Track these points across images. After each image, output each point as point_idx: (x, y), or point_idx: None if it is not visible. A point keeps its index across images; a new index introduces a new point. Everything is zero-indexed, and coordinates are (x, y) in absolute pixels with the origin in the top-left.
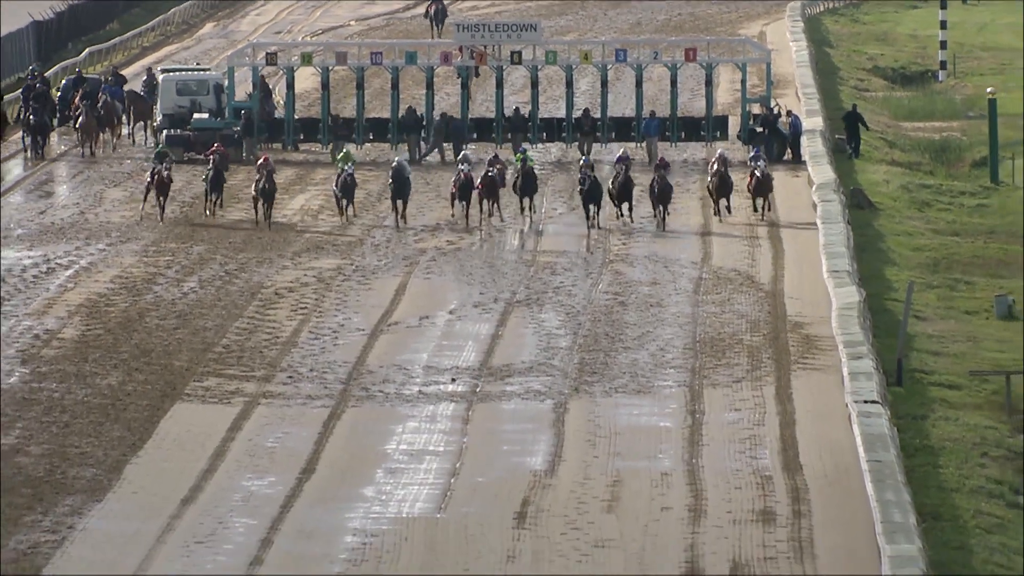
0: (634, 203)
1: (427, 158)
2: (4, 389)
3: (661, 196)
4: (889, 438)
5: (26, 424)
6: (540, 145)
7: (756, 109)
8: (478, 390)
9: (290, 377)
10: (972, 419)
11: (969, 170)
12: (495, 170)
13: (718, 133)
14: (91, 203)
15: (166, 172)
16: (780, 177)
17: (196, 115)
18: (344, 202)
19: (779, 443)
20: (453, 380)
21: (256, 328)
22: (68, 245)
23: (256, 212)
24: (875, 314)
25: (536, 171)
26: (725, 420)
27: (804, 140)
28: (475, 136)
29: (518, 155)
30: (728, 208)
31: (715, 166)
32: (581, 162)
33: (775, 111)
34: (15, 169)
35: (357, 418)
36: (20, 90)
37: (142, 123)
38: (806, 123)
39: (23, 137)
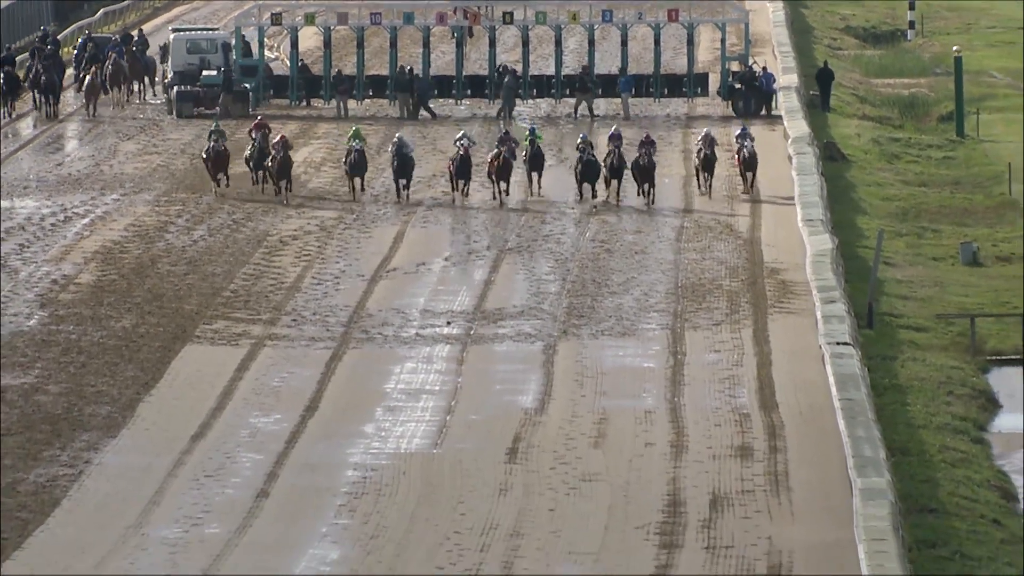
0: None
1: (422, 114)
2: (24, 331)
3: (644, 174)
4: (860, 378)
5: (45, 364)
6: (531, 101)
7: (735, 67)
8: (472, 333)
9: (294, 320)
10: (938, 360)
11: (936, 124)
12: (506, 149)
13: (699, 89)
14: (105, 155)
15: (216, 146)
16: (757, 131)
17: (205, 72)
18: (355, 180)
19: (756, 383)
20: (448, 323)
21: (262, 274)
22: (84, 195)
23: (274, 185)
24: (847, 260)
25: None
26: (705, 361)
27: (780, 96)
28: (436, 93)
29: (526, 134)
30: (710, 185)
31: (700, 146)
32: (579, 139)
33: (753, 69)
34: (28, 127)
35: (357, 359)
36: (29, 52)
37: (137, 82)
38: (782, 80)
39: (33, 96)
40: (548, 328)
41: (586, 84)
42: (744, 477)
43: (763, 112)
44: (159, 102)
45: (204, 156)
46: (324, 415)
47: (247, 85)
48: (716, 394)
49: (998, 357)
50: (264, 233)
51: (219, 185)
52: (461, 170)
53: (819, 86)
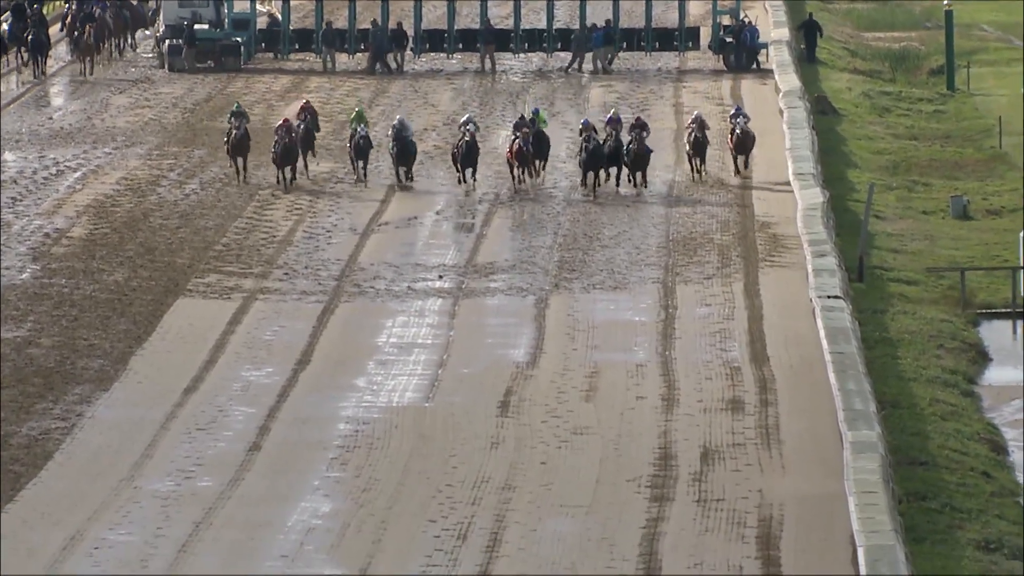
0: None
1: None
2: (16, 285)
3: (637, 162)
4: (851, 331)
5: (37, 318)
6: (523, 55)
7: (726, 20)
8: (463, 286)
9: (286, 274)
10: (929, 313)
11: (927, 78)
12: (522, 135)
13: (690, 43)
14: (97, 109)
15: (238, 132)
16: (748, 85)
17: (197, 26)
18: (360, 163)
19: (747, 336)
20: (440, 277)
21: (254, 228)
22: (76, 149)
23: (278, 171)
24: (838, 214)
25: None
26: (696, 314)
27: (771, 50)
28: (409, 46)
29: (532, 116)
30: (702, 170)
31: (691, 128)
32: (581, 125)
33: (744, 22)
34: (13, 85)
35: (349, 313)
36: (11, 9)
37: (122, 38)
38: (773, 34)
39: (18, 55)
40: (539, 282)
41: (611, 36)
42: (735, 430)
43: (753, 67)
44: (150, 56)
45: (225, 140)
46: (316, 369)
47: (239, 39)
48: (707, 348)
49: (988, 310)
50: (256, 187)
51: (239, 174)
52: (467, 157)
53: (804, 38)
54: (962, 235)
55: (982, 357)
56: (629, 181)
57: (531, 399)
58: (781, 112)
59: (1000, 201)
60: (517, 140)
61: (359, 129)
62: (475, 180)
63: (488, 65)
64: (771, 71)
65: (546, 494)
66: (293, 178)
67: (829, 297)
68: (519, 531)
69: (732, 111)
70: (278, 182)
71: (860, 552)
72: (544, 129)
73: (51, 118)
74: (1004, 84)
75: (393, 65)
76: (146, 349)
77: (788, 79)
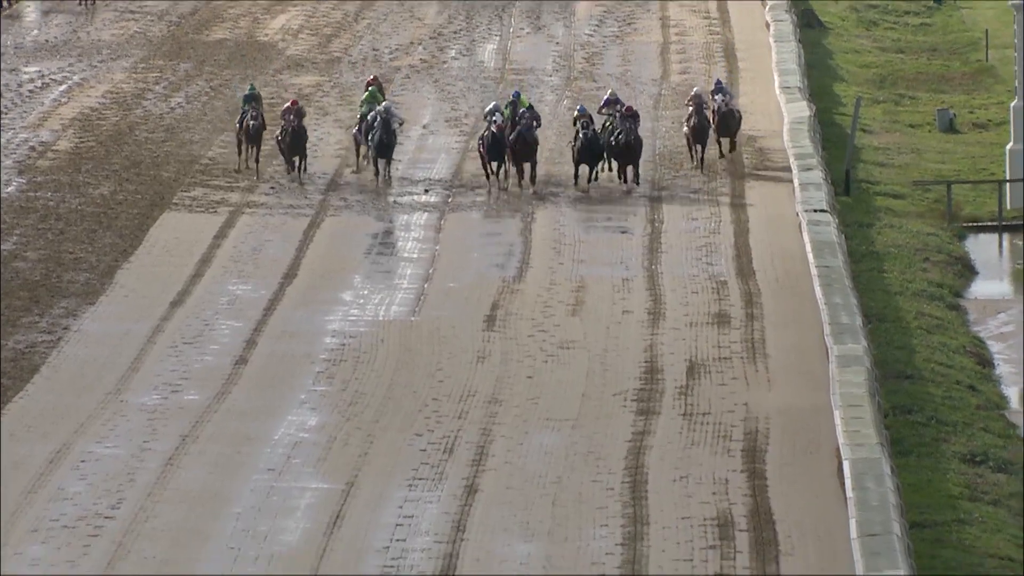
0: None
1: None
2: (2, 198)
3: (628, 154)
4: (837, 245)
5: (23, 231)
6: None
7: None
8: (450, 201)
9: (272, 188)
10: (915, 226)
11: None
12: (524, 121)
13: None
14: (82, 22)
15: (253, 122)
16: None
17: None
18: (381, 161)
19: (733, 250)
20: (426, 191)
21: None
22: (62, 62)
23: (286, 161)
24: (824, 128)
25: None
26: (683, 229)
27: None
28: None
29: (507, 103)
30: (702, 159)
31: (691, 110)
32: (576, 111)
33: None
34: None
35: (335, 227)
36: None
37: None
38: None
39: None
40: (526, 196)
41: None
42: (721, 344)
43: None
44: None
45: (238, 126)
46: (302, 282)
47: None
48: (693, 262)
49: (974, 224)
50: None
51: (247, 165)
52: (493, 150)
53: None
54: (948, 148)
55: (968, 271)
56: (620, 176)
57: (517, 313)
58: (767, 25)
59: (986, 114)
60: (488, 130)
61: (380, 112)
62: (499, 175)
63: None
64: None
65: (532, 408)
66: (304, 168)
67: (815, 211)
68: (505, 444)
69: (713, 85)
70: (288, 172)
71: (845, 465)
72: (523, 121)
73: (36, 30)
74: None
75: None
76: (132, 263)
77: None
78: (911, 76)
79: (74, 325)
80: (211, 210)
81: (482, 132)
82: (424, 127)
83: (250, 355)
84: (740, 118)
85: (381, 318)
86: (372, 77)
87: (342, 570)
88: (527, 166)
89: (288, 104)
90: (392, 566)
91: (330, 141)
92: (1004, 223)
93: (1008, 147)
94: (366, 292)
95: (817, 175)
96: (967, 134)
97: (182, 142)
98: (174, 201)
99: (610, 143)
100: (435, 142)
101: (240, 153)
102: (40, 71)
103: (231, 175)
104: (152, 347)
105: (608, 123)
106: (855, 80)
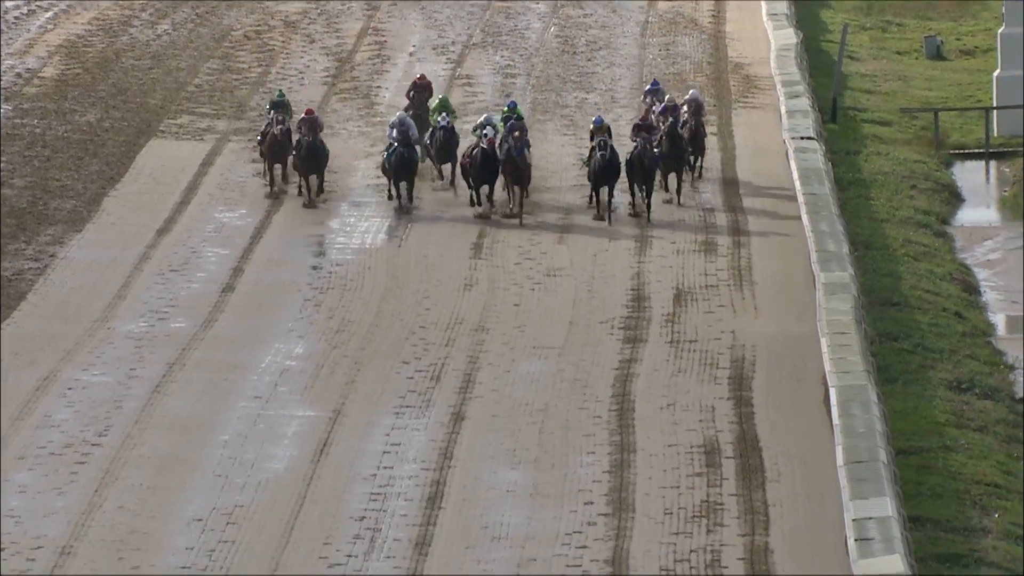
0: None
1: None
2: None
3: (645, 174)
4: (824, 172)
5: (9, 158)
6: None
7: None
8: None
9: (259, 116)
10: (902, 153)
11: None
12: (512, 141)
13: None
14: None
15: (280, 129)
16: None
17: None
18: (444, 166)
19: (720, 178)
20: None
21: (226, 68)
22: None
23: (302, 179)
24: (811, 55)
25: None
26: None
27: None
28: None
29: (501, 114)
30: (700, 167)
31: (685, 115)
32: (592, 124)
33: None
34: None
35: None
36: None
37: None
38: None
39: None
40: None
41: None
42: (708, 272)
43: None
44: None
45: (259, 139)
46: (289, 210)
47: None
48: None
49: (961, 151)
50: (228, 28)
51: (273, 185)
52: (483, 170)
53: None
54: (935, 75)
55: (955, 198)
56: (632, 200)
57: (504, 241)
58: None
59: (974, 41)
60: (474, 151)
61: (439, 120)
62: (492, 202)
63: None
64: None
65: (519, 335)
66: (320, 189)
67: (802, 138)
68: (492, 372)
69: (687, 94)
70: (299, 192)
71: (832, 392)
72: (511, 139)
73: None
74: None
75: None
76: (119, 190)
77: None
78: (898, 3)
79: (61, 252)
80: (198, 137)
81: (470, 148)
82: (411, 54)
83: (237, 283)
84: (705, 134)
85: (368, 246)
86: (419, 76)
87: (329, 497)
88: (517, 189)
89: (303, 114)
90: (379, 493)
91: (316, 68)
92: (991, 150)
93: (995, 74)
94: (353, 220)
95: (804, 102)
96: (954, 61)
97: (168, 69)
98: (160, 128)
99: (630, 160)
100: (422, 69)
101: (268, 171)
102: None
103: (217, 102)
104: (139, 274)
105: (657, 134)
106: (842, 7)
